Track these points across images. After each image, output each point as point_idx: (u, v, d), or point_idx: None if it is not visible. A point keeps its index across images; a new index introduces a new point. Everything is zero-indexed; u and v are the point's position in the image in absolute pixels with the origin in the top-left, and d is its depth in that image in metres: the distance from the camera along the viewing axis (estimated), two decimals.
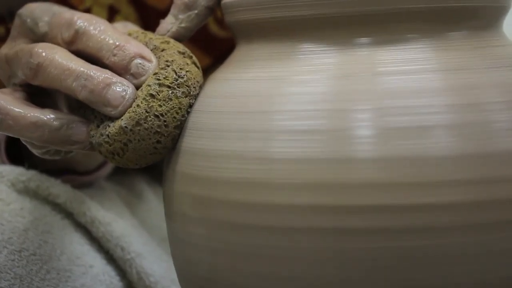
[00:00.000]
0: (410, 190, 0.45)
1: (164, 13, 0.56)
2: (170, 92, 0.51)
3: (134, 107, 0.51)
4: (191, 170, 0.50)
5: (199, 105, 0.52)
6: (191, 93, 0.52)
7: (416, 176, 0.45)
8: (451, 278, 0.46)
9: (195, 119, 0.51)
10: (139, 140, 0.51)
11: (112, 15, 0.73)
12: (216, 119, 0.50)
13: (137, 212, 0.77)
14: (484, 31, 0.50)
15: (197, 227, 0.50)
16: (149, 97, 0.51)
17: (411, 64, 0.47)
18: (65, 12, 0.54)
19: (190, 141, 0.51)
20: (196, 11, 0.54)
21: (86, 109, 0.53)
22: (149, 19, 0.73)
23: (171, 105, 0.51)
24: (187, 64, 0.53)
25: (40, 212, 0.66)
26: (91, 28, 0.53)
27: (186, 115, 0.52)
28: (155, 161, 0.52)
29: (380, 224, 0.45)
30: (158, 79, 0.51)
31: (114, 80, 0.51)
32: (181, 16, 0.55)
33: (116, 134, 0.51)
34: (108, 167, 0.74)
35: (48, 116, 0.52)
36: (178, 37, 0.55)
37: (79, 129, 0.53)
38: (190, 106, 0.52)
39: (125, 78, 0.51)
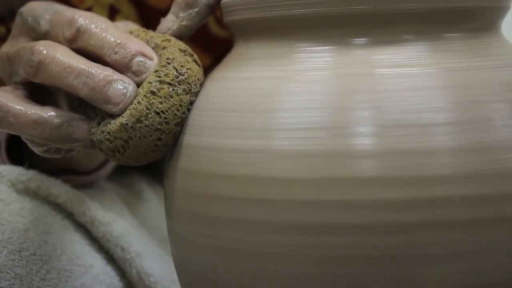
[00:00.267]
0: (410, 185, 0.45)
1: (164, 13, 0.56)
2: (171, 89, 0.51)
3: (135, 104, 0.51)
4: (191, 168, 0.50)
5: (199, 103, 0.52)
6: (192, 90, 0.52)
7: (415, 172, 0.45)
8: (451, 274, 0.46)
9: (196, 117, 0.51)
10: (139, 137, 0.51)
11: (112, 14, 0.73)
12: (216, 117, 0.50)
13: (137, 212, 0.77)
14: (482, 33, 0.50)
15: (197, 225, 0.50)
16: (149, 94, 0.51)
17: (408, 63, 0.47)
18: (67, 11, 0.54)
19: (190, 138, 0.51)
20: (196, 9, 0.55)
21: (87, 107, 0.53)
22: (149, 19, 0.73)
23: (171, 102, 0.51)
24: (188, 61, 0.53)
25: (40, 212, 0.66)
26: (93, 26, 0.53)
27: (187, 113, 0.52)
28: (156, 158, 0.52)
29: (381, 219, 0.45)
30: (159, 76, 0.51)
31: (115, 77, 0.51)
32: (182, 14, 0.55)
33: (117, 131, 0.51)
34: (109, 167, 0.74)
35: (49, 114, 0.52)
36: (179, 35, 0.55)
37: (80, 127, 0.53)
38: (191, 103, 0.52)
39: (126, 76, 0.52)
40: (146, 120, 0.50)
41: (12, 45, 0.56)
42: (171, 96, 0.51)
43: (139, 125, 0.50)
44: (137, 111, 0.50)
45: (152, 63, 0.52)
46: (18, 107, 0.52)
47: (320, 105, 0.47)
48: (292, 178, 0.46)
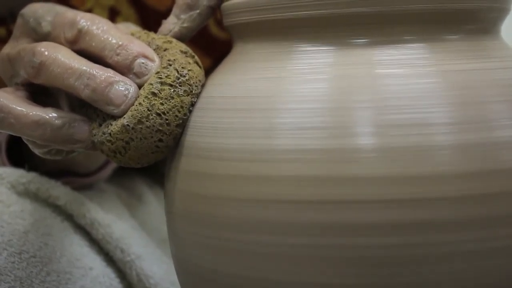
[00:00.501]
0: (410, 184, 0.45)
1: (164, 15, 0.56)
2: (172, 90, 0.51)
3: (136, 105, 0.51)
4: (192, 168, 0.50)
5: (199, 104, 0.52)
6: (193, 91, 0.52)
7: (415, 171, 0.45)
8: (451, 274, 0.46)
9: (196, 118, 0.51)
10: (141, 139, 0.51)
11: (113, 16, 0.73)
12: (217, 118, 0.50)
13: (137, 214, 0.77)
14: (481, 35, 0.50)
15: (198, 226, 0.50)
16: (151, 96, 0.51)
17: (408, 64, 0.48)
18: (68, 12, 0.54)
19: (191, 139, 0.51)
20: (198, 11, 0.55)
21: (88, 108, 0.53)
22: (149, 21, 0.73)
23: (173, 103, 0.51)
24: (189, 63, 0.53)
25: (40, 214, 0.66)
26: (94, 27, 0.53)
27: (188, 114, 0.52)
28: (157, 159, 0.52)
29: (382, 218, 0.45)
30: (160, 78, 0.51)
31: (116, 79, 0.51)
32: (183, 16, 0.55)
33: (118, 133, 0.51)
34: (108, 169, 0.74)
35: (50, 115, 0.52)
36: (180, 37, 0.55)
37: (81, 128, 0.53)
38: (192, 104, 0.52)
39: (127, 77, 0.52)
40: (147, 121, 0.50)
41: (13, 46, 0.56)
42: (172, 98, 0.51)
43: (140, 126, 0.50)
44: (138, 112, 0.50)
45: (154, 64, 0.52)
46: (19, 108, 0.52)
47: (321, 105, 0.47)
48: (293, 178, 0.46)
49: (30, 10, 0.56)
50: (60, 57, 0.52)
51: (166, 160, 0.55)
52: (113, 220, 0.69)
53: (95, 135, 0.52)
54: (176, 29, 0.55)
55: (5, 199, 0.65)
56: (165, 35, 0.55)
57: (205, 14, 0.55)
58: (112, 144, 0.51)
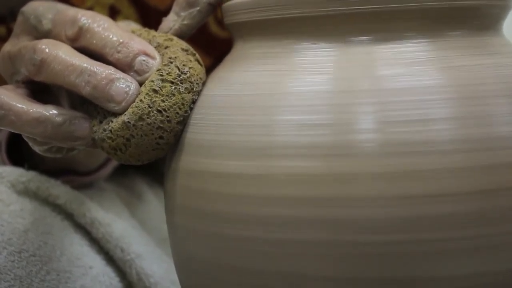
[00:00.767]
0: (411, 181, 0.45)
1: (164, 13, 0.56)
2: (173, 87, 0.51)
3: (137, 102, 0.51)
4: (193, 165, 0.50)
5: (200, 103, 0.52)
6: (194, 89, 0.52)
7: (418, 168, 0.45)
8: (449, 271, 0.46)
9: (197, 116, 0.51)
10: (141, 136, 0.51)
11: (113, 15, 0.73)
12: (217, 115, 0.50)
13: (137, 213, 0.77)
14: (483, 31, 0.50)
15: (197, 222, 0.50)
16: (152, 93, 0.51)
17: (410, 61, 0.48)
18: (69, 10, 0.54)
19: (192, 136, 0.51)
20: (198, 8, 0.55)
21: (89, 105, 0.53)
22: (149, 19, 0.73)
23: (173, 100, 0.51)
24: (190, 61, 0.53)
25: (40, 213, 0.66)
26: (95, 25, 0.53)
27: (189, 111, 0.52)
28: (158, 157, 0.52)
29: (383, 215, 0.45)
30: (161, 75, 0.51)
31: (117, 76, 0.51)
32: (183, 14, 0.55)
33: (119, 129, 0.51)
34: (109, 168, 0.74)
35: (50, 112, 0.52)
36: (180, 35, 0.55)
37: (82, 125, 0.53)
38: (193, 102, 0.52)
39: (128, 75, 0.52)
40: (148, 118, 0.50)
41: (14, 44, 0.56)
42: (173, 95, 0.51)
43: (141, 123, 0.50)
44: (139, 109, 0.51)
45: (155, 62, 0.52)
46: (20, 105, 0.52)
47: (322, 102, 0.47)
48: (293, 174, 0.46)
49: (30, 7, 0.56)
50: (61, 54, 0.52)
51: (166, 159, 0.55)
52: (113, 219, 0.69)
53: (95, 132, 0.52)
54: (176, 26, 0.55)
55: (5, 198, 0.65)
56: (166, 32, 0.55)
57: (205, 11, 0.55)
58: (112, 141, 0.51)
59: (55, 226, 0.66)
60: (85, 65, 0.51)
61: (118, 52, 0.52)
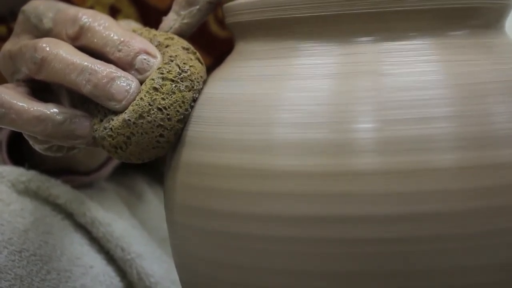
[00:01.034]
0: (411, 178, 0.45)
1: (164, 13, 0.56)
2: (174, 85, 0.51)
3: (138, 100, 0.51)
4: (190, 180, 0.51)
5: (201, 100, 0.52)
6: (195, 87, 0.52)
7: (417, 166, 0.45)
8: (447, 267, 0.46)
9: (198, 113, 0.51)
10: (142, 134, 0.51)
11: (113, 14, 0.73)
12: (216, 126, 0.50)
13: (137, 212, 0.77)
14: (486, 31, 0.51)
15: (196, 219, 0.50)
16: (152, 91, 0.51)
17: (412, 62, 0.48)
18: (70, 9, 0.54)
19: (193, 133, 0.51)
20: (197, 7, 0.55)
21: (89, 104, 0.53)
22: (150, 19, 0.73)
23: (174, 98, 0.51)
24: (191, 59, 0.53)
25: (41, 213, 0.66)
26: (96, 24, 0.53)
27: (190, 109, 0.52)
28: (158, 155, 0.52)
29: (383, 211, 0.45)
30: (162, 73, 0.51)
31: (118, 74, 0.51)
32: (183, 12, 0.55)
33: (119, 127, 0.51)
34: (109, 168, 0.74)
35: (51, 110, 0.52)
36: (180, 33, 0.55)
37: (82, 124, 0.53)
38: (194, 100, 0.52)
39: (129, 73, 0.52)
40: (148, 116, 0.51)
41: (14, 43, 0.56)
42: (174, 93, 0.51)
43: (142, 121, 0.51)
44: (139, 107, 0.51)
45: (156, 61, 0.52)
46: (20, 103, 0.52)
47: (323, 102, 0.47)
48: (295, 174, 0.46)
49: (31, 6, 0.56)
50: (61, 53, 0.52)
51: (166, 158, 0.55)
52: (114, 219, 0.69)
53: (96, 130, 0.52)
54: (177, 25, 0.55)
55: (5, 198, 0.65)
56: (166, 31, 0.55)
57: (205, 10, 0.55)
58: (113, 139, 0.51)
59: (55, 225, 0.66)
60: (85, 63, 0.51)
61: (119, 50, 0.52)
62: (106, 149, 0.52)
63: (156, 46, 0.54)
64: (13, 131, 0.70)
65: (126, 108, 0.51)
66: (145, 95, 0.51)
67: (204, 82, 0.53)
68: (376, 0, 0.48)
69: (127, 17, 0.73)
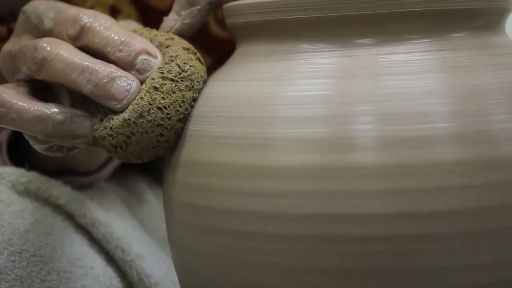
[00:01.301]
0: (410, 176, 0.45)
1: (165, 13, 0.57)
2: (174, 85, 0.51)
3: (138, 99, 0.51)
4: (189, 178, 0.51)
5: (201, 100, 0.52)
6: (195, 87, 0.52)
7: (416, 161, 0.45)
8: (447, 264, 0.46)
9: (196, 122, 0.51)
10: (142, 133, 0.51)
11: (113, 15, 0.73)
12: (216, 124, 0.50)
13: (138, 213, 0.77)
14: (486, 32, 0.51)
15: (195, 233, 0.50)
16: (152, 90, 0.51)
17: (412, 65, 0.48)
18: (70, 9, 0.55)
19: (189, 148, 0.51)
20: (198, 7, 0.55)
21: (90, 104, 0.54)
22: (150, 19, 0.73)
23: (174, 98, 0.51)
24: (191, 59, 0.53)
25: (41, 214, 0.66)
26: (97, 24, 0.53)
27: (190, 109, 0.52)
28: (158, 155, 0.52)
29: (382, 209, 0.45)
30: (162, 73, 0.52)
31: (118, 74, 0.51)
32: (183, 13, 0.55)
33: (119, 127, 0.51)
34: (109, 168, 0.74)
35: (51, 110, 0.52)
36: (181, 34, 0.55)
37: (83, 123, 0.53)
38: (194, 100, 0.52)
39: (130, 73, 0.52)
40: (148, 115, 0.51)
41: (15, 43, 0.56)
42: (174, 92, 0.51)
43: (142, 120, 0.51)
44: (139, 106, 0.51)
45: (156, 61, 0.52)
46: (20, 103, 0.52)
47: (323, 102, 0.47)
48: (295, 187, 0.46)
49: (32, 6, 0.56)
50: (62, 53, 0.52)
51: (166, 159, 0.55)
52: (114, 220, 0.69)
53: (96, 130, 0.53)
54: (177, 25, 0.55)
55: (5, 199, 0.65)
56: (167, 32, 0.56)
57: (205, 10, 0.55)
58: (113, 139, 0.51)
59: (55, 226, 0.66)
60: (86, 63, 0.52)
61: (120, 51, 0.52)
62: (106, 149, 0.52)
63: (156, 46, 0.54)
64: (13, 132, 0.70)
65: (126, 107, 0.51)
66: (145, 94, 0.51)
67: (204, 82, 0.53)
68: (377, 3, 0.48)
69: (127, 17, 0.73)
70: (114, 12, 0.74)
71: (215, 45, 0.75)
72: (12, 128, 0.53)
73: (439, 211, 0.45)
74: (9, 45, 0.56)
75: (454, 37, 0.49)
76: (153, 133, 0.51)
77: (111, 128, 0.51)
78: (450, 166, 0.45)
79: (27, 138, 0.55)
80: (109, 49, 0.52)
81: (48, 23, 0.55)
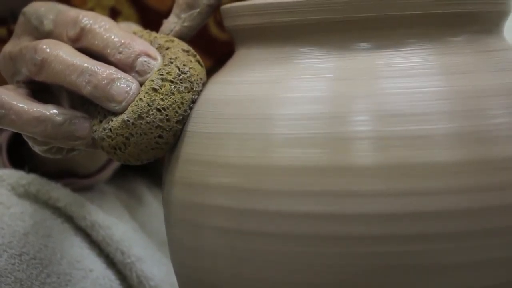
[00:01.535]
0: (408, 176, 0.45)
1: (165, 15, 0.57)
2: (173, 86, 0.51)
3: (137, 101, 0.51)
4: (189, 178, 0.51)
5: (198, 108, 0.52)
6: (194, 88, 0.52)
7: (415, 161, 0.45)
8: (446, 286, 0.46)
9: (194, 125, 0.51)
10: (141, 134, 0.51)
11: (113, 17, 0.73)
12: (215, 123, 0.50)
13: (137, 216, 0.77)
14: (484, 36, 0.51)
15: (194, 232, 0.50)
16: (151, 91, 0.51)
17: (410, 69, 0.48)
18: (70, 10, 0.55)
19: (188, 147, 0.51)
20: (198, 10, 0.55)
21: (89, 105, 0.54)
22: (150, 21, 0.73)
23: (173, 99, 0.51)
24: (191, 61, 0.53)
25: (41, 216, 0.66)
26: (97, 26, 0.53)
27: (189, 111, 0.52)
28: (157, 157, 0.52)
29: (380, 209, 0.45)
30: (161, 74, 0.52)
31: (118, 75, 0.51)
32: (183, 15, 0.55)
33: (119, 128, 0.51)
34: (109, 171, 0.74)
35: (51, 111, 0.52)
36: (181, 36, 0.55)
37: (82, 125, 0.53)
38: (193, 101, 0.52)
39: (130, 75, 0.52)
40: (147, 116, 0.51)
41: (15, 45, 0.56)
42: (173, 94, 0.51)
43: (141, 121, 0.51)
44: (138, 108, 0.51)
45: (156, 63, 0.52)
46: (20, 104, 0.52)
47: (321, 109, 0.47)
48: (291, 188, 0.46)
49: (32, 8, 0.56)
50: (61, 54, 0.52)
51: (165, 161, 0.55)
52: (114, 222, 0.69)
53: (95, 131, 0.53)
54: (177, 28, 0.55)
55: (5, 201, 0.65)
56: (167, 34, 0.56)
57: (205, 13, 0.55)
58: (112, 140, 0.51)
59: (55, 229, 0.66)
60: (86, 64, 0.52)
61: (120, 52, 0.52)
62: (105, 150, 0.52)
63: (156, 49, 0.54)
64: (13, 134, 0.70)
65: (126, 109, 0.51)
66: (144, 95, 0.51)
67: (204, 84, 0.53)
68: (375, 7, 0.48)
69: (127, 19, 0.74)
70: (114, 14, 0.74)
71: (215, 47, 0.75)
72: (12, 130, 0.53)
73: (438, 211, 0.45)
74: (9, 47, 0.56)
75: (452, 41, 0.49)
76: (152, 135, 0.51)
77: (110, 129, 0.51)
78: (449, 166, 0.45)
79: (26, 139, 0.55)
80: (109, 51, 0.52)
81: (48, 25, 0.55)
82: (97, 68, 0.51)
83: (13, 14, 0.70)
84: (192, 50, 0.54)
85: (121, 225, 0.70)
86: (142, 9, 0.75)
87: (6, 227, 0.62)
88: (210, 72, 0.55)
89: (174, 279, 0.59)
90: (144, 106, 0.51)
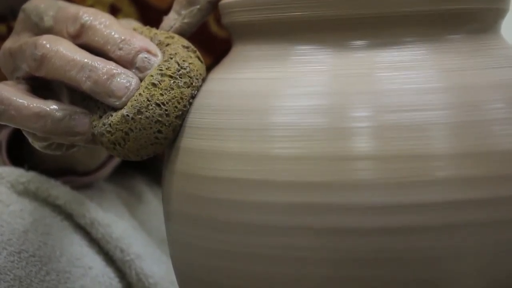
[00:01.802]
0: (408, 188, 0.45)
1: (164, 12, 0.57)
2: (172, 81, 0.51)
3: (136, 95, 0.51)
4: (189, 170, 0.51)
5: (197, 105, 0.52)
6: (194, 84, 0.52)
7: (413, 175, 0.45)
8: (444, 278, 0.46)
9: (194, 119, 0.51)
10: (140, 129, 0.51)
11: (113, 13, 0.73)
12: (213, 119, 0.50)
13: (137, 213, 0.77)
14: (482, 34, 0.51)
15: (194, 228, 0.50)
16: (151, 86, 0.51)
17: (408, 65, 0.48)
18: (70, 7, 0.55)
19: (188, 141, 0.51)
20: (198, 6, 0.55)
21: (89, 101, 0.54)
22: (150, 18, 0.73)
23: (172, 94, 0.51)
24: (191, 57, 0.53)
25: (40, 214, 0.66)
26: (97, 22, 0.53)
27: (188, 106, 0.52)
28: (156, 152, 0.52)
29: (378, 223, 0.45)
30: (161, 70, 0.52)
31: (118, 71, 0.51)
32: (183, 12, 0.55)
33: (118, 123, 0.51)
34: (108, 168, 0.74)
35: (51, 107, 0.52)
36: (181, 33, 0.56)
37: (82, 120, 0.53)
38: (192, 97, 0.52)
39: (130, 71, 0.52)
40: (146, 111, 0.51)
41: (15, 41, 0.56)
42: (172, 89, 0.51)
43: (140, 116, 0.51)
44: (137, 102, 0.51)
45: (156, 59, 0.52)
46: (20, 100, 0.52)
47: (319, 107, 0.47)
48: (291, 181, 0.46)
49: (32, 4, 0.56)
50: (61, 50, 0.52)
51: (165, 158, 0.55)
52: (113, 220, 0.69)
53: (95, 127, 0.53)
54: (177, 25, 0.56)
55: (4, 199, 0.65)
56: (167, 31, 0.56)
57: (205, 10, 0.55)
58: (111, 135, 0.51)
59: (54, 226, 0.66)
60: (86, 60, 0.52)
61: (120, 49, 0.52)
62: (104, 146, 0.52)
63: (156, 45, 0.54)
64: (13, 132, 0.70)
65: (125, 104, 0.51)
66: (143, 90, 0.51)
67: (203, 80, 0.54)
68: (372, 4, 0.48)
69: (127, 16, 0.74)
70: (114, 11, 0.74)
71: (215, 44, 0.75)
72: (12, 125, 0.53)
73: (437, 202, 0.45)
74: (8, 43, 0.56)
75: (449, 38, 0.49)
76: (151, 130, 0.51)
77: (109, 124, 0.51)
78: (447, 158, 0.45)
79: (26, 135, 0.55)
80: (109, 47, 0.53)
81: (48, 21, 0.55)
82: (97, 64, 0.51)
83: (13, 11, 0.70)
84: (192, 46, 0.55)
85: (121, 222, 0.70)
86: (142, 6, 0.75)
87: (5, 224, 0.62)
88: (210, 69, 0.55)
89: (173, 277, 0.59)
90: (144, 101, 0.51)
